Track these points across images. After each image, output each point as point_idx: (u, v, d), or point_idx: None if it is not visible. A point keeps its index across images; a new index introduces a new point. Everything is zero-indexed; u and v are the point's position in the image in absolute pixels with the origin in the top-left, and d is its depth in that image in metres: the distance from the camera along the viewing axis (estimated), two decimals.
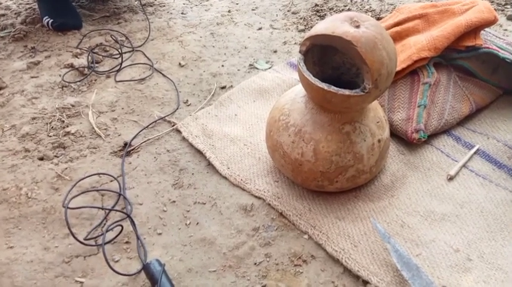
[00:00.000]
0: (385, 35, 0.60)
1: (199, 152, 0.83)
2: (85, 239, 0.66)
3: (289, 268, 0.63)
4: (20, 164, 0.82)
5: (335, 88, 0.60)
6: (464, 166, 0.75)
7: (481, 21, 0.80)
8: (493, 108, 0.87)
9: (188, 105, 0.98)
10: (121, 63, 1.10)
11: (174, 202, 0.74)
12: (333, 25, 0.60)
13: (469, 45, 0.80)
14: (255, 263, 0.63)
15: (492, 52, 0.80)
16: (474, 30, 0.81)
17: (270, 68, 1.08)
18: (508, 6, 1.23)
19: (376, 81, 0.59)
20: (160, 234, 0.69)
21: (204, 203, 0.74)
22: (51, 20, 1.25)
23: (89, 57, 1.12)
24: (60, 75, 1.07)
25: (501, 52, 0.81)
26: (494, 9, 1.21)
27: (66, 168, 0.81)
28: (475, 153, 0.77)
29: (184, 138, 0.87)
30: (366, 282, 0.60)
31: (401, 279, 0.59)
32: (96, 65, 1.12)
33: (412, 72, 0.81)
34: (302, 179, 0.69)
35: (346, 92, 0.59)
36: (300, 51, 0.65)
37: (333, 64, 0.70)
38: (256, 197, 0.74)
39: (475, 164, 0.76)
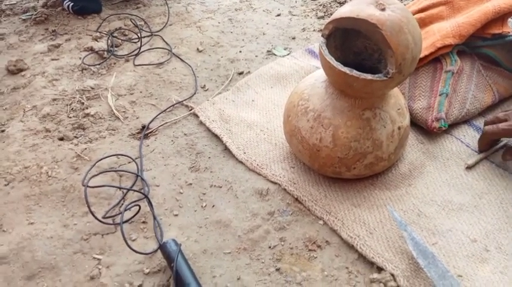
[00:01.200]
0: (411, 18, 0.59)
1: (216, 136, 0.84)
2: (103, 217, 0.67)
3: (303, 252, 0.63)
4: (41, 143, 0.84)
5: (357, 72, 0.59)
6: (486, 158, 0.74)
7: (509, 7, 0.77)
8: None
9: (206, 90, 0.98)
10: (140, 47, 1.10)
11: (190, 184, 0.75)
12: (358, 8, 0.59)
13: (496, 33, 0.78)
14: (270, 247, 0.64)
15: None
16: (502, 17, 0.78)
17: (288, 54, 1.07)
18: None
19: (400, 66, 0.58)
20: (176, 215, 0.70)
21: (220, 187, 0.74)
22: (72, 4, 1.26)
23: (109, 41, 1.13)
24: (80, 58, 1.09)
25: None
26: None
27: (85, 148, 0.82)
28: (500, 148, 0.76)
29: (201, 123, 0.87)
30: (380, 269, 0.59)
31: (417, 267, 0.58)
32: (115, 48, 1.13)
33: (435, 59, 0.79)
34: (319, 165, 0.69)
35: (369, 76, 0.59)
36: (322, 35, 0.64)
37: (354, 49, 0.69)
38: (272, 182, 0.74)
39: (496, 156, 0.74)
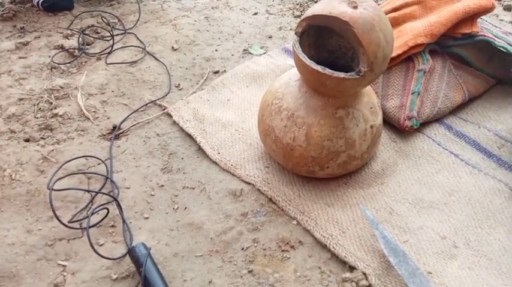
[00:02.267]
0: (383, 17, 0.59)
1: (190, 136, 0.82)
2: (69, 222, 0.65)
3: (276, 253, 0.62)
4: (5, 145, 0.80)
5: (330, 71, 0.58)
6: (454, 154, 0.75)
7: (478, 8, 0.78)
8: (485, 98, 0.86)
9: (180, 89, 0.96)
10: (112, 46, 1.07)
11: (162, 186, 0.73)
12: (330, 5, 0.59)
13: (466, 33, 0.79)
14: (243, 248, 0.63)
15: (488, 40, 0.79)
16: (471, 17, 0.80)
17: (264, 53, 1.06)
18: None
19: (371, 64, 0.58)
20: (147, 218, 0.68)
21: (193, 188, 0.73)
22: (42, 0, 1.22)
23: (80, 39, 1.10)
24: (49, 57, 1.05)
25: (497, 41, 0.80)
26: None
27: (52, 150, 0.79)
28: (465, 142, 0.77)
29: (174, 123, 0.85)
30: (352, 268, 0.59)
31: (388, 265, 0.59)
32: (87, 46, 1.10)
33: (407, 59, 0.80)
34: (293, 164, 0.69)
35: (341, 74, 0.58)
36: (295, 33, 0.63)
37: (328, 47, 0.69)
38: (246, 182, 0.73)
39: (466, 154, 0.76)
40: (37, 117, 0.87)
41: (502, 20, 1.12)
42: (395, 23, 0.84)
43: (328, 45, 0.69)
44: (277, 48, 1.07)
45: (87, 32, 1.14)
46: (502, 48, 0.80)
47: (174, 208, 0.69)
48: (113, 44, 1.08)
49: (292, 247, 0.63)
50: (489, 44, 0.80)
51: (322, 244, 0.62)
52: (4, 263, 0.60)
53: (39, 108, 0.90)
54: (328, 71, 0.58)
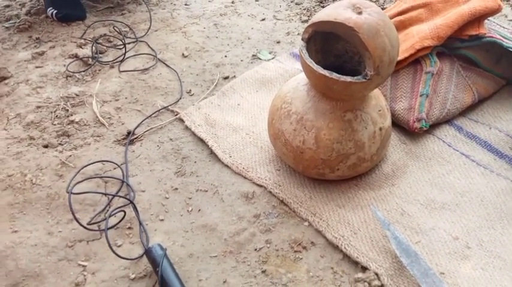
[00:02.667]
0: (388, 21, 0.60)
1: (202, 140, 0.84)
2: (88, 224, 0.67)
3: (289, 254, 0.63)
4: (25, 151, 0.83)
5: (337, 75, 0.60)
6: (465, 155, 0.75)
7: (485, 9, 0.79)
8: (495, 99, 0.86)
9: (191, 95, 0.98)
10: (124, 54, 1.10)
11: (176, 189, 0.75)
12: (335, 11, 0.60)
13: (473, 34, 0.80)
14: (256, 249, 0.64)
15: (496, 41, 0.80)
16: (478, 19, 0.80)
17: (273, 58, 1.08)
18: None
19: (378, 68, 0.59)
20: (162, 220, 0.70)
21: (206, 191, 0.74)
22: (56, 11, 1.26)
23: (93, 48, 1.13)
24: (64, 65, 1.08)
25: (505, 41, 0.80)
26: None
27: (70, 155, 0.82)
28: (476, 143, 0.77)
29: (187, 128, 0.88)
30: (364, 268, 0.60)
31: (400, 265, 0.59)
32: (100, 55, 1.13)
33: (415, 61, 0.81)
34: (303, 167, 0.70)
35: (348, 79, 0.60)
36: (302, 39, 0.65)
37: (335, 52, 0.70)
38: (257, 185, 0.74)
39: (477, 154, 0.76)
40: (54, 124, 0.90)
41: (511, 20, 1.12)
42: (402, 26, 0.85)
43: (334, 50, 0.70)
44: (285, 53, 1.09)
45: (100, 41, 1.17)
46: (510, 49, 0.80)
47: (188, 210, 0.71)
48: (125, 52, 1.11)
49: (304, 247, 0.64)
50: (497, 45, 0.81)
51: (334, 244, 0.63)
52: (28, 263, 0.62)
53: (56, 116, 0.92)
54: (335, 75, 0.60)
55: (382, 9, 1.21)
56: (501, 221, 0.65)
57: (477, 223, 0.65)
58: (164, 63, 1.09)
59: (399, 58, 0.79)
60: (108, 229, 0.66)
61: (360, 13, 0.59)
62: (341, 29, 0.59)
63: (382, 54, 0.58)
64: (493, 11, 0.80)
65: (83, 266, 0.62)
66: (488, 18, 0.85)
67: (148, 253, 0.60)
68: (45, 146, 0.84)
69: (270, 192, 0.72)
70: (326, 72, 0.60)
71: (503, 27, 0.87)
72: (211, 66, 1.07)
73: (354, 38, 0.58)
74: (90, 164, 0.78)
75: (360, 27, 0.57)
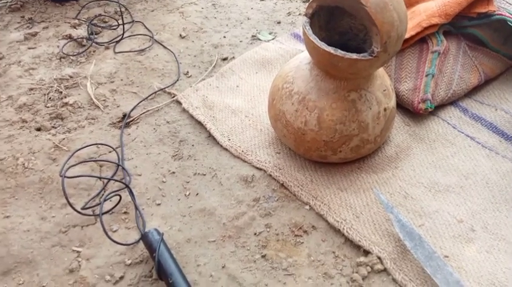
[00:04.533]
0: None
1: (200, 123, 0.82)
2: (82, 208, 0.65)
3: (289, 238, 0.62)
4: (17, 134, 0.80)
5: (342, 52, 0.57)
6: (470, 137, 0.73)
7: None
8: (502, 80, 0.84)
9: (189, 76, 0.95)
10: (123, 34, 1.06)
11: (173, 173, 0.73)
12: None
13: (481, 12, 0.77)
14: (255, 234, 0.62)
15: (505, 19, 0.77)
16: None
17: (273, 39, 1.04)
18: None
19: (385, 44, 0.56)
20: (159, 205, 0.68)
21: (204, 174, 0.72)
22: None
23: (88, 28, 1.09)
24: (58, 47, 1.05)
25: None
26: None
27: (63, 139, 0.79)
28: (482, 125, 0.75)
29: (184, 110, 0.85)
30: (367, 252, 0.59)
31: (404, 249, 0.58)
32: (95, 36, 1.09)
33: (421, 40, 0.78)
34: (305, 149, 0.68)
35: (354, 55, 0.57)
36: (305, 14, 0.62)
37: (339, 29, 0.67)
38: (257, 168, 0.72)
39: (482, 136, 0.74)
40: (47, 107, 0.87)
41: None
42: (409, 3, 0.81)
43: (339, 27, 0.67)
44: (286, 33, 1.05)
45: (94, 21, 1.14)
46: None
47: (185, 194, 0.69)
48: (124, 32, 1.07)
49: (305, 231, 0.62)
50: (506, 23, 0.77)
51: (336, 228, 0.62)
52: (20, 249, 0.61)
53: (50, 98, 0.90)
54: (340, 52, 0.57)
55: None
56: (506, 203, 0.64)
57: (482, 206, 0.63)
58: (161, 44, 1.05)
59: (405, 37, 0.76)
60: (103, 213, 0.64)
61: None
62: (347, 2, 0.56)
63: (390, 29, 0.55)
64: None
65: (77, 252, 0.61)
66: None
67: (144, 238, 0.59)
68: (38, 129, 0.82)
69: (270, 175, 0.70)
70: (331, 49, 0.57)
71: None
72: (210, 47, 1.04)
73: (360, 12, 0.55)
74: (84, 147, 0.76)
75: (368, 1, 0.54)
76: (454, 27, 0.80)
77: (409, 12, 0.79)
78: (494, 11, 0.77)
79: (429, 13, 0.76)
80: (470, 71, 0.80)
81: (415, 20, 0.77)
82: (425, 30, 0.76)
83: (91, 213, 0.66)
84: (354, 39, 0.67)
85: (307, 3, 0.62)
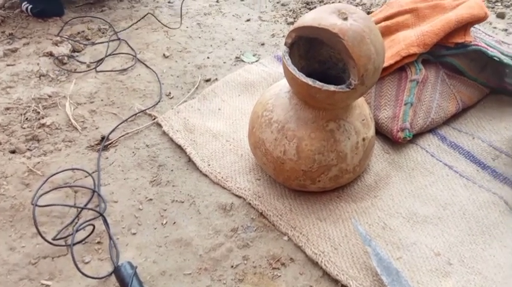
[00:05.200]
0: (374, 28, 0.57)
1: (180, 147, 0.81)
2: (54, 239, 0.63)
3: (267, 271, 0.61)
4: None
5: (320, 83, 0.57)
6: (448, 165, 0.74)
7: (471, 17, 0.77)
8: (479, 108, 0.85)
9: (171, 98, 0.95)
10: (106, 52, 1.05)
11: (150, 199, 0.72)
12: (319, 16, 0.57)
13: (459, 42, 0.78)
14: (232, 266, 0.61)
15: (481, 50, 0.78)
16: (464, 26, 0.79)
17: (256, 61, 1.04)
18: (499, 4, 1.21)
19: (362, 77, 0.56)
20: (134, 234, 0.66)
21: (182, 202, 0.71)
22: (31, 6, 1.20)
23: (70, 46, 1.08)
24: (38, 64, 1.03)
25: (490, 50, 0.79)
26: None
27: (38, 162, 0.77)
28: (460, 153, 0.76)
29: (164, 133, 0.84)
30: (344, 286, 0.58)
31: (381, 284, 0.57)
32: (77, 53, 1.08)
33: (400, 68, 0.79)
34: (284, 178, 0.67)
35: (331, 87, 0.57)
36: (285, 44, 0.62)
37: (319, 58, 0.68)
38: (236, 195, 0.71)
39: (460, 165, 0.75)
40: (24, 128, 0.85)
41: (495, 27, 1.11)
42: (388, 31, 0.83)
43: (319, 56, 0.67)
44: (269, 55, 1.06)
45: (77, 38, 1.12)
46: (495, 58, 0.79)
47: (162, 223, 0.68)
48: (107, 51, 1.06)
49: (283, 264, 0.61)
50: (482, 53, 0.79)
51: (314, 261, 0.61)
52: None
53: (26, 118, 0.88)
54: (318, 83, 0.57)
55: (369, 13, 1.19)
56: (483, 235, 0.64)
57: (459, 238, 0.63)
58: (144, 63, 1.04)
59: (384, 65, 0.77)
60: (75, 244, 0.62)
61: (345, 19, 0.56)
62: (325, 35, 0.56)
63: (367, 62, 0.55)
64: (480, 19, 0.78)
65: (47, 285, 0.59)
66: (474, 26, 0.83)
67: (117, 271, 0.57)
68: (12, 152, 0.80)
69: (249, 203, 0.70)
70: (309, 80, 0.57)
71: (489, 35, 0.86)
72: (193, 67, 1.04)
73: (338, 45, 0.56)
74: (59, 173, 0.74)
75: (345, 34, 0.54)
76: (433, 56, 0.81)
77: (389, 40, 0.80)
78: (471, 42, 0.78)
79: (408, 42, 0.77)
80: (448, 99, 0.81)
81: (395, 48, 0.78)
82: (404, 59, 0.77)
83: (63, 243, 0.63)
84: (334, 68, 0.68)
85: (290, 28, 0.62)
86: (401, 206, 0.68)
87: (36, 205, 0.64)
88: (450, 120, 0.82)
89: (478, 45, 0.79)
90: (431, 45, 0.78)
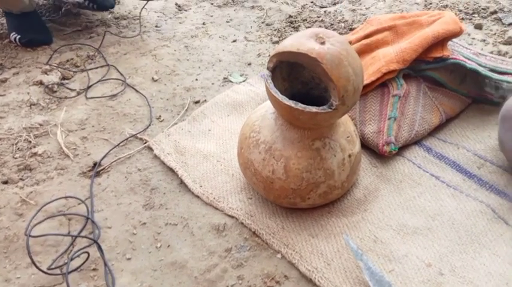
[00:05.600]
0: (351, 51, 0.60)
1: (172, 170, 0.82)
2: (49, 268, 0.63)
3: None
4: None
5: (302, 105, 0.59)
6: (434, 176, 0.76)
7: (447, 32, 0.81)
8: (462, 118, 0.88)
9: (161, 121, 0.96)
10: (95, 83, 1.07)
11: (144, 223, 0.72)
12: (298, 42, 0.60)
13: (437, 57, 0.81)
14: None
15: (459, 63, 0.81)
16: (441, 41, 0.82)
17: (244, 81, 1.07)
18: (476, 16, 1.25)
19: (343, 98, 0.59)
20: (129, 259, 0.66)
21: (176, 224, 0.72)
22: (19, 36, 1.21)
23: (59, 74, 1.09)
24: (28, 93, 1.04)
25: (468, 62, 0.82)
26: (462, 18, 1.24)
27: (31, 192, 0.78)
28: (446, 163, 0.78)
29: (156, 156, 0.85)
30: None
31: None
32: (66, 81, 1.09)
33: (382, 84, 0.82)
34: (274, 196, 0.68)
35: (313, 109, 0.59)
36: (267, 68, 0.64)
37: (302, 79, 0.70)
38: (229, 216, 0.72)
39: (446, 175, 0.76)
40: (16, 158, 0.86)
41: (473, 38, 1.15)
42: (369, 49, 0.86)
43: (301, 77, 0.70)
44: (256, 75, 1.08)
45: (66, 66, 1.14)
46: (473, 70, 0.82)
47: (157, 247, 0.68)
48: (100, 79, 1.07)
49: (277, 282, 0.62)
50: (461, 66, 0.82)
51: (308, 277, 0.62)
52: None
53: (18, 148, 0.88)
54: (300, 105, 0.59)
55: (351, 29, 1.23)
56: (472, 244, 0.65)
57: (449, 248, 0.65)
58: (133, 88, 1.06)
59: (366, 82, 0.80)
60: (71, 272, 0.62)
61: (322, 43, 0.58)
62: (304, 59, 0.59)
63: (347, 84, 0.58)
64: (455, 34, 0.81)
65: None
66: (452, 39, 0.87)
67: None
68: (5, 182, 0.80)
69: (242, 223, 0.70)
70: (291, 103, 0.59)
71: (466, 47, 0.89)
72: (182, 90, 1.05)
73: (317, 69, 0.58)
74: (52, 201, 0.74)
75: (323, 58, 0.57)
76: (413, 70, 0.84)
77: (369, 57, 0.83)
78: (449, 56, 0.81)
79: (388, 59, 0.80)
80: (431, 111, 0.83)
81: (375, 65, 0.80)
82: (385, 75, 0.79)
83: (58, 272, 0.64)
84: (316, 88, 0.70)
85: (270, 55, 0.64)
86: (391, 219, 0.70)
87: (30, 236, 0.64)
88: (435, 131, 0.84)
89: (456, 59, 0.82)
90: (411, 61, 0.80)
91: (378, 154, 0.79)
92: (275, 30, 1.29)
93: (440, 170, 0.78)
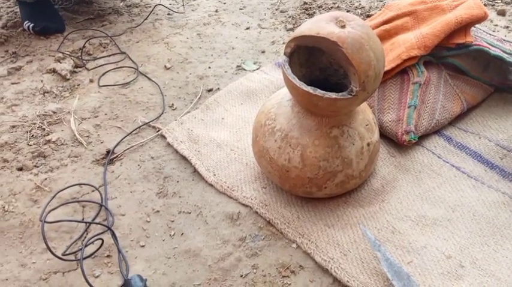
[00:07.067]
0: (372, 34, 0.58)
1: (185, 158, 0.81)
2: (63, 254, 0.63)
3: (276, 279, 0.60)
4: None
5: (321, 91, 0.57)
6: (455, 167, 0.73)
7: (471, 17, 0.77)
8: (484, 107, 0.85)
9: (174, 109, 0.95)
10: (107, 71, 1.06)
11: (158, 211, 0.72)
12: (317, 25, 0.58)
13: (460, 43, 0.78)
14: (242, 276, 0.61)
15: (483, 49, 0.78)
16: (464, 27, 0.79)
17: (257, 69, 1.05)
18: (499, 1, 1.21)
19: (363, 84, 0.57)
20: (143, 246, 0.66)
21: (189, 213, 0.71)
22: (32, 25, 1.21)
23: (72, 62, 1.09)
24: (41, 81, 1.04)
25: (492, 49, 0.79)
26: (484, 4, 1.19)
27: (45, 178, 0.78)
28: (467, 154, 0.75)
29: (169, 145, 0.84)
30: None
31: None
32: (79, 69, 1.09)
33: (402, 71, 0.79)
34: (290, 185, 0.67)
35: (333, 95, 0.57)
36: (284, 53, 0.62)
37: (320, 65, 0.68)
38: (243, 205, 0.71)
39: (467, 166, 0.74)
40: (30, 145, 0.86)
41: (496, 25, 1.11)
42: (388, 35, 0.83)
43: (319, 63, 0.68)
44: (270, 63, 1.06)
45: (79, 54, 1.13)
46: (497, 57, 0.79)
47: (170, 235, 0.68)
48: (113, 67, 1.07)
49: (292, 272, 0.61)
50: (484, 52, 0.79)
51: (324, 268, 0.61)
52: None
53: (32, 135, 0.88)
54: (319, 91, 0.57)
55: (368, 16, 1.19)
56: (494, 236, 0.63)
57: (470, 240, 0.63)
58: (146, 76, 1.05)
59: (386, 68, 0.77)
60: (85, 258, 0.62)
61: (343, 27, 0.56)
62: (324, 43, 0.57)
63: (368, 69, 0.56)
64: (479, 19, 0.78)
65: None
66: (475, 25, 0.83)
67: (127, 285, 0.57)
68: (20, 169, 0.80)
69: (256, 212, 0.69)
70: (310, 89, 0.57)
71: (490, 34, 0.86)
72: (195, 78, 1.04)
73: (337, 53, 0.56)
74: (66, 188, 0.74)
75: (344, 42, 0.55)
76: (434, 57, 0.81)
77: (389, 44, 0.81)
78: (472, 42, 0.78)
79: (408, 45, 0.77)
80: (452, 100, 0.80)
81: (395, 52, 0.78)
82: (405, 62, 0.77)
83: (73, 258, 0.64)
84: (335, 74, 0.68)
85: (290, 34, 0.63)
86: (410, 210, 0.68)
87: (44, 221, 0.64)
88: (455, 120, 0.82)
89: (479, 45, 0.79)
90: (432, 47, 0.78)
91: (396, 143, 0.77)
92: (289, 17, 1.27)
93: (461, 160, 0.75)
